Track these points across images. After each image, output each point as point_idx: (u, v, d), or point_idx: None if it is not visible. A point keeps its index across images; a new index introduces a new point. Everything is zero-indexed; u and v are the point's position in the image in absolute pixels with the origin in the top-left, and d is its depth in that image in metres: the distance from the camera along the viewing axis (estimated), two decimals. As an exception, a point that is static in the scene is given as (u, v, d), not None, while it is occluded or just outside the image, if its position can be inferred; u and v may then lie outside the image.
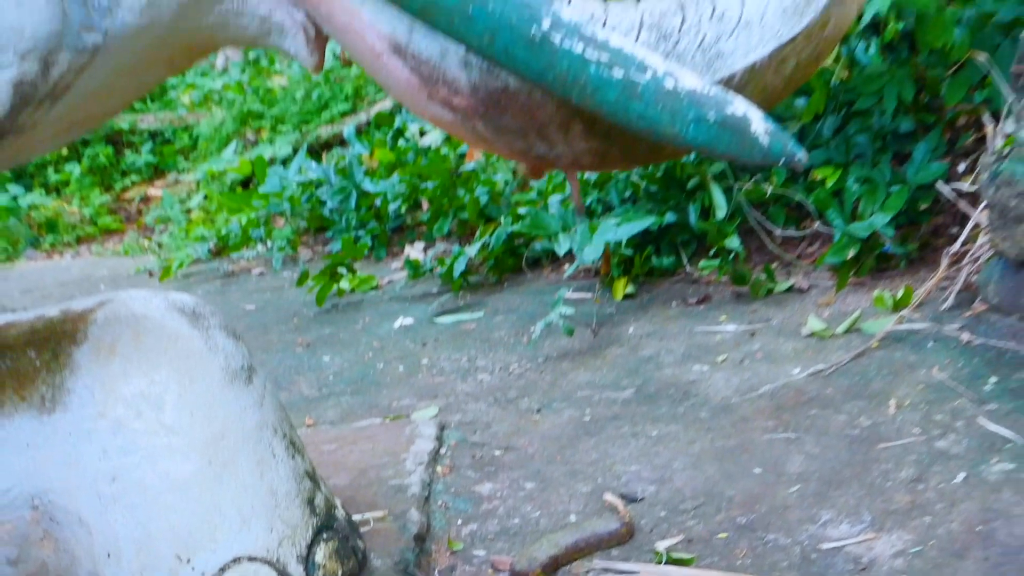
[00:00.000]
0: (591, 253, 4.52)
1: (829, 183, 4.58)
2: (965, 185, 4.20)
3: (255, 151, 7.91)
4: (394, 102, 7.56)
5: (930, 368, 3.43)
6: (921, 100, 4.86)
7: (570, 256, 4.86)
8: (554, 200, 5.20)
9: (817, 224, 4.59)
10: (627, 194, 5.12)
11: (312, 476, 2.53)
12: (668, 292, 4.63)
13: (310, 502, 2.33)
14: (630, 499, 2.86)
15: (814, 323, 3.93)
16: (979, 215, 3.90)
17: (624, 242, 4.64)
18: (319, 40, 1.93)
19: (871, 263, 4.37)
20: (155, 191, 8.57)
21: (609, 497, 2.79)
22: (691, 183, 4.89)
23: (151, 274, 6.49)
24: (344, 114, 8.13)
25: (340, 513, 2.45)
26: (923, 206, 4.45)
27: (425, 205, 6.10)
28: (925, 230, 4.54)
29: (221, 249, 6.67)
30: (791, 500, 2.74)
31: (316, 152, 7.71)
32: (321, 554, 2.30)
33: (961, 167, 4.70)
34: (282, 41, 1.94)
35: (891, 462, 2.89)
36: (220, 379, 2.37)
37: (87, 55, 1.73)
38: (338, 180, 6.33)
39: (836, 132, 4.90)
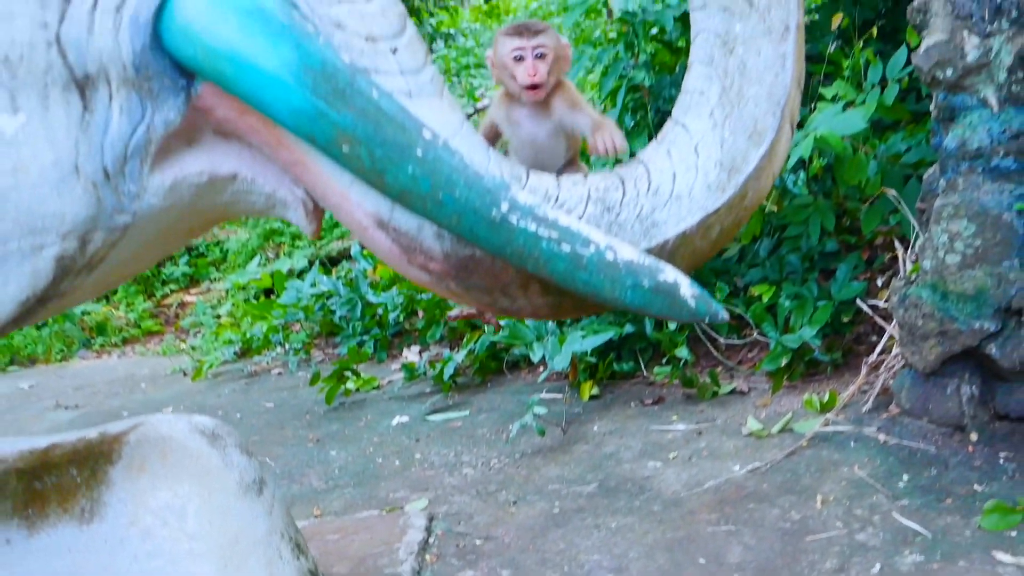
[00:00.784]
0: (560, 362, 4.57)
1: (765, 298, 4.62)
2: (881, 302, 4.25)
3: (276, 264, 7.97)
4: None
5: (852, 466, 3.45)
6: (844, 223, 4.94)
7: (544, 361, 4.88)
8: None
9: (756, 333, 4.63)
10: (593, 306, 5.14)
11: (314, 574, 2.53)
12: (628, 393, 4.65)
13: (311, 600, 2.34)
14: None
15: (752, 424, 3.95)
16: (893, 329, 3.94)
17: (589, 351, 4.66)
18: (316, 211, 1.98)
19: (802, 369, 4.40)
20: (190, 298, 8.60)
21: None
22: (648, 298, 4.91)
23: (185, 374, 6.49)
24: (353, 231, 8.16)
25: (338, 608, 2.45)
26: (846, 319, 4.50)
27: (420, 314, 6.13)
28: (848, 339, 4.57)
29: (245, 351, 6.68)
30: (730, 589, 2.74)
31: (329, 264, 7.76)
32: (320, 647, 2.30)
33: (879, 281, 4.76)
34: (285, 212, 1.98)
35: (817, 553, 2.90)
36: (235, 492, 2.40)
37: (119, 232, 1.77)
38: (346, 292, 6.37)
39: (771, 253, 4.97)
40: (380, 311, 6.26)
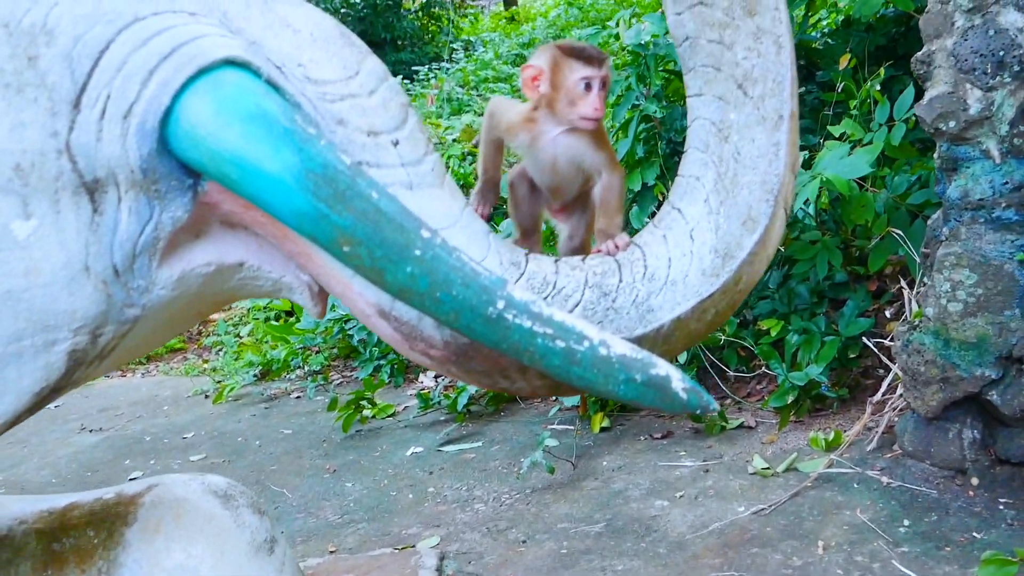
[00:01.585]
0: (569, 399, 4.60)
1: (773, 332, 4.63)
2: (887, 340, 4.25)
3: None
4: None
5: (854, 509, 3.45)
6: (853, 253, 4.93)
7: (556, 392, 4.89)
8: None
9: (764, 367, 4.64)
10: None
11: (323, 631, 2.56)
12: (638, 426, 4.66)
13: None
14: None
15: (758, 462, 3.95)
16: (897, 367, 3.94)
17: (600, 384, 4.66)
18: (322, 294, 2.01)
19: (808, 405, 4.41)
20: (212, 315, 8.66)
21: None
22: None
23: (206, 396, 6.54)
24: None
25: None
26: (852, 354, 4.49)
27: (437, 338, 6.15)
28: (856, 372, 4.57)
29: (265, 373, 6.73)
30: (730, 643, 2.75)
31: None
32: None
33: (888, 312, 4.75)
34: (291, 295, 2.01)
35: (817, 604, 2.91)
36: (247, 551, 2.42)
37: (129, 324, 1.80)
38: (364, 315, 6.41)
39: (780, 285, 4.96)
40: (397, 336, 6.29)
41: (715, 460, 4.10)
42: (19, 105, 1.60)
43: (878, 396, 4.03)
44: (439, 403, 5.42)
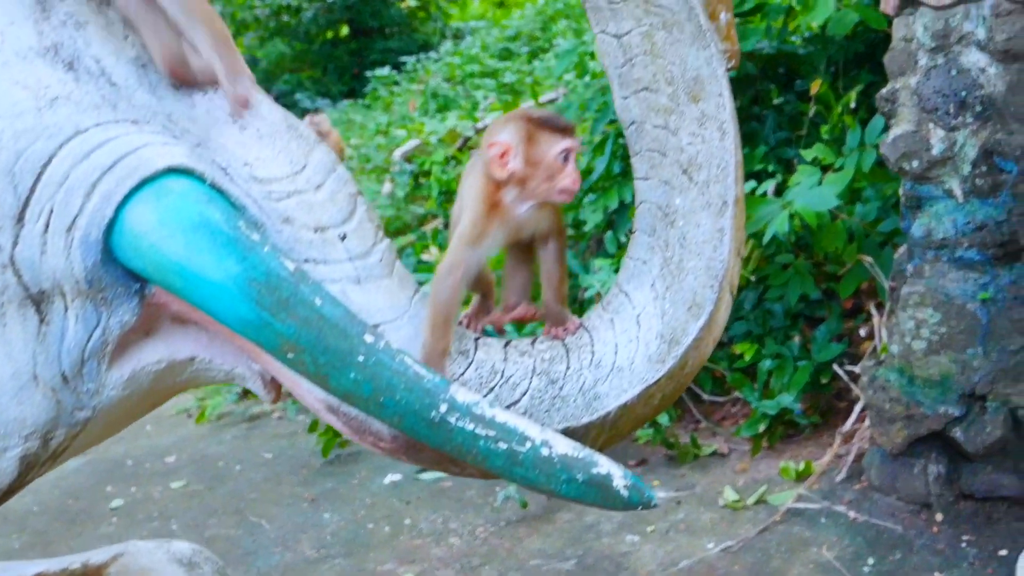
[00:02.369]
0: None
1: (747, 356, 4.65)
2: (857, 367, 4.28)
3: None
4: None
5: (821, 547, 3.50)
6: (826, 269, 4.94)
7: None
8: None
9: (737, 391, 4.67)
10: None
11: None
12: (612, 453, 4.60)
13: None
14: None
15: (729, 494, 3.99)
16: (864, 402, 3.97)
17: (576, 410, 4.69)
18: (274, 383, 2.02)
19: (781, 431, 4.44)
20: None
21: None
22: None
23: (189, 415, 6.56)
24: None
25: None
26: (824, 380, 4.52)
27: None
28: (830, 396, 4.60)
29: (247, 392, 6.74)
30: None
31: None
32: None
33: (864, 331, 4.78)
34: (244, 383, 2.03)
35: (780, 649, 2.95)
36: (210, 619, 2.45)
37: (80, 426, 1.82)
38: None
39: (755, 306, 4.98)
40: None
41: (687, 491, 4.14)
42: (-39, 223, 1.63)
43: (847, 426, 4.06)
44: (418, 427, 5.43)
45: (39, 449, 1.79)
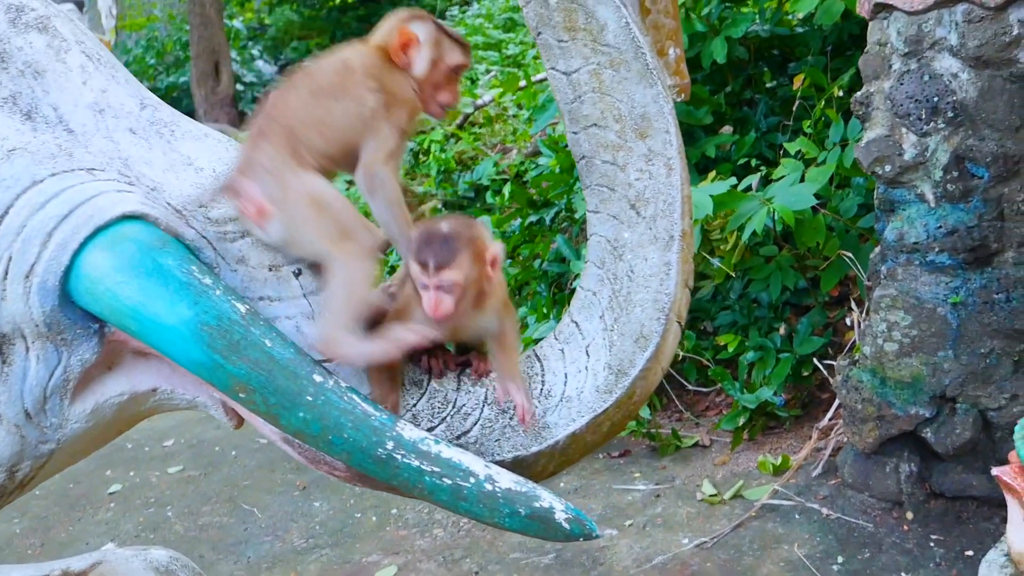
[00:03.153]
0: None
1: (731, 348, 4.71)
2: (836, 362, 4.33)
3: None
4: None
5: (793, 544, 3.56)
6: (808, 264, 4.97)
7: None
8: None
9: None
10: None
11: None
12: (598, 443, 4.75)
13: None
14: None
15: (707, 487, 4.06)
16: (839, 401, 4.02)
17: (562, 401, 4.76)
18: (235, 411, 2.10)
19: (762, 423, 4.50)
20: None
21: None
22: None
23: (188, 397, 6.66)
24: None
25: None
26: (806, 372, 4.57)
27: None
28: (811, 389, 4.66)
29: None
30: None
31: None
32: None
33: (849, 320, 4.82)
34: (207, 411, 2.10)
35: (745, 649, 3.03)
36: (186, 626, 2.54)
37: (45, 457, 1.90)
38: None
39: (740, 296, 5.03)
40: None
41: (667, 484, 4.21)
42: (-78, 275, 1.69)
43: (824, 421, 4.12)
44: (409, 414, 5.51)
45: (5, 481, 1.86)
